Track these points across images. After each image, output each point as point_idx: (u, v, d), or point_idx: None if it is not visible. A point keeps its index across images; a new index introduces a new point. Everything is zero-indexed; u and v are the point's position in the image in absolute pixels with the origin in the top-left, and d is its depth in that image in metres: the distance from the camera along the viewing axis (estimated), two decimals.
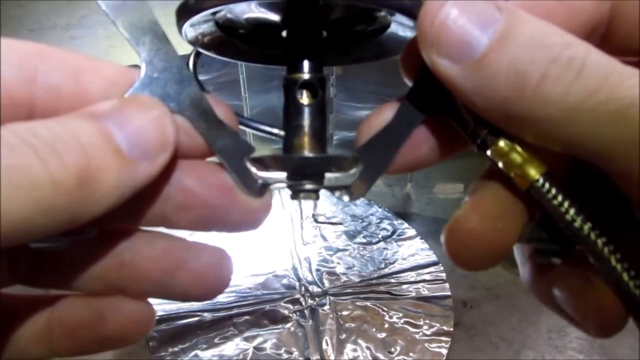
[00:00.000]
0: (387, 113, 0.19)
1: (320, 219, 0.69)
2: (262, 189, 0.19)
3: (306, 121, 0.20)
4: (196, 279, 0.19)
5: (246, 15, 0.21)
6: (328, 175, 0.19)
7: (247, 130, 0.21)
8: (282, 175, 0.19)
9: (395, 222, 0.69)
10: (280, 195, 0.70)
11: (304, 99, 0.20)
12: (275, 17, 0.21)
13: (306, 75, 0.20)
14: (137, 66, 0.18)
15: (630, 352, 0.54)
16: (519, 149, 0.17)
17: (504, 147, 0.17)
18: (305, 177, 0.19)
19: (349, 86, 0.69)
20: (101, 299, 0.19)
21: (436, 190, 0.74)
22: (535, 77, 0.14)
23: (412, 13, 0.18)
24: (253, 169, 0.18)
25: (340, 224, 0.69)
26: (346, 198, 0.19)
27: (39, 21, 1.06)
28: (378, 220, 0.69)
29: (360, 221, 0.69)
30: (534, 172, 0.16)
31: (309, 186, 0.19)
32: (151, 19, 0.17)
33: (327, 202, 0.71)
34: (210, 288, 0.19)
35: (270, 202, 0.19)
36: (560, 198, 0.16)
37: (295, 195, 0.19)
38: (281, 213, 0.69)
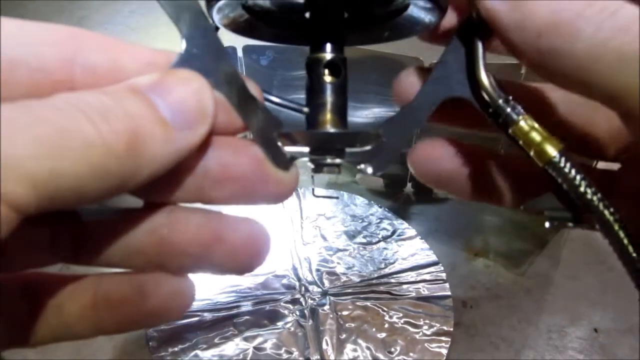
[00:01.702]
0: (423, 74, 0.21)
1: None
2: (289, 163, 0.20)
3: (329, 98, 0.21)
4: (234, 252, 0.19)
5: None
6: (348, 149, 0.20)
7: (272, 105, 0.21)
8: (306, 149, 0.20)
9: (395, 222, 0.69)
10: None
11: (327, 77, 0.21)
12: None
13: (329, 55, 0.21)
14: None
15: (630, 352, 0.54)
16: (538, 128, 0.18)
17: (524, 127, 0.19)
18: (327, 152, 0.20)
19: (349, 86, 0.69)
20: (143, 275, 0.19)
21: (436, 190, 0.74)
22: (570, 13, 0.16)
23: None
24: (280, 144, 0.19)
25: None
26: (370, 170, 0.21)
27: (39, 21, 1.06)
28: (378, 220, 0.69)
29: (360, 221, 0.69)
30: (551, 150, 0.18)
31: (332, 160, 0.20)
32: None
33: (328, 203, 0.71)
34: (249, 260, 0.20)
35: (298, 175, 0.20)
36: (574, 173, 0.18)
37: (318, 169, 0.21)
38: (281, 213, 0.69)
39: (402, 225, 0.68)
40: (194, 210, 0.20)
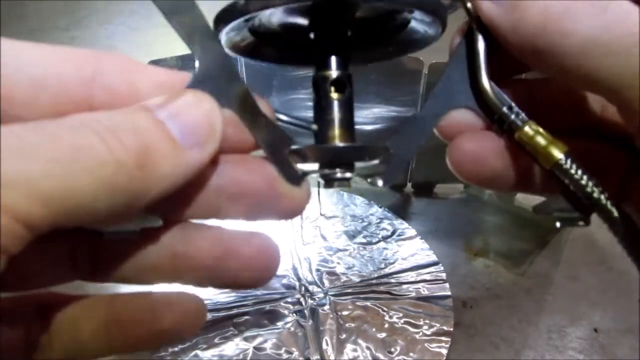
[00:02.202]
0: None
1: (324, 212, 0.70)
2: (301, 179, 0.20)
3: (337, 114, 0.21)
4: (247, 265, 0.20)
5: (275, 20, 0.23)
6: (357, 164, 0.21)
7: (281, 123, 0.22)
8: (316, 165, 0.20)
9: (395, 222, 0.69)
10: None
11: (334, 94, 0.22)
12: (303, 21, 0.22)
13: (335, 73, 0.22)
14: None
15: (631, 352, 0.54)
16: (542, 132, 0.19)
17: (529, 132, 0.19)
18: (337, 166, 0.21)
19: None
20: (155, 296, 0.20)
21: (436, 190, 0.74)
22: (560, 11, 0.17)
23: (432, 10, 0.20)
24: (291, 160, 0.20)
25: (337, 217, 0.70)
26: (380, 182, 0.21)
27: (39, 22, 1.06)
28: (378, 220, 0.69)
29: (360, 221, 0.69)
30: (557, 152, 0.19)
31: (343, 174, 0.21)
32: (202, 20, 0.18)
33: (327, 202, 0.71)
34: (261, 273, 0.20)
35: (310, 191, 0.21)
36: (580, 173, 0.18)
37: (329, 184, 0.21)
38: None
39: (402, 225, 0.68)
40: (206, 227, 0.20)
